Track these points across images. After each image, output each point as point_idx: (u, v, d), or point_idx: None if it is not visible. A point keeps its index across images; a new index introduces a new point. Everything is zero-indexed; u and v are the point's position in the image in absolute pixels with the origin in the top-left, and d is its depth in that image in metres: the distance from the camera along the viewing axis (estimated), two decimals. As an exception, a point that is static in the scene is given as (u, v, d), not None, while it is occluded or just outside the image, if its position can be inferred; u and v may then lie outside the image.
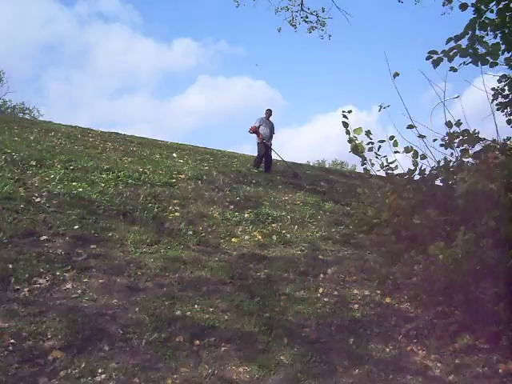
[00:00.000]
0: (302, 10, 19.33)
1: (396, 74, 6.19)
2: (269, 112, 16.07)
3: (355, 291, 7.77)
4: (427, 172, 6.35)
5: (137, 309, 5.98)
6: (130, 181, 10.91)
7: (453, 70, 6.56)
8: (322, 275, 8.21)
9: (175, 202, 10.37)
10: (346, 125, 6.28)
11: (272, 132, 15.93)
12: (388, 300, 7.55)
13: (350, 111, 6.25)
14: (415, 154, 6.16)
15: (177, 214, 9.72)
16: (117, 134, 16.65)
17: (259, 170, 15.53)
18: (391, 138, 6.28)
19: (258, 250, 8.98)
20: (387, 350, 6.13)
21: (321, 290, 7.56)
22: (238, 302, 6.70)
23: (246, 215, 10.55)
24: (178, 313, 6.09)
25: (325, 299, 7.30)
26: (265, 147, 15.64)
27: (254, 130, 15.55)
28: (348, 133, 6.33)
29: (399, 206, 6.18)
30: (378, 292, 7.80)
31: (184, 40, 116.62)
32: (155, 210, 9.59)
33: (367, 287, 7.98)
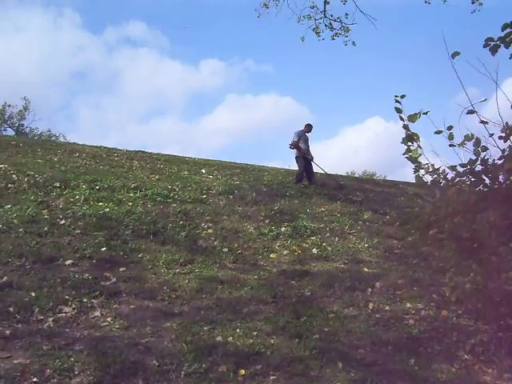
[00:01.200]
0: (326, 17, 18.71)
1: (456, 54, 5.52)
2: (308, 127, 15.61)
3: (408, 305, 7.10)
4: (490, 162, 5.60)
5: (173, 336, 5.39)
6: (158, 198, 10.40)
7: None
8: (369, 289, 7.55)
9: (207, 218, 9.82)
10: (399, 111, 5.61)
11: (307, 146, 15.40)
12: (445, 313, 6.86)
13: (403, 96, 5.58)
14: (477, 142, 5.43)
15: (210, 230, 9.15)
16: (143, 152, 16.23)
17: (304, 184, 14.90)
18: (449, 127, 5.57)
19: (298, 265, 8.36)
20: (453, 369, 5.43)
21: (371, 306, 6.90)
22: (284, 323, 6.06)
23: (283, 229, 9.94)
24: (219, 339, 5.47)
25: (376, 315, 6.63)
26: (305, 160, 15.08)
27: (295, 145, 15.00)
28: (402, 119, 5.65)
29: (459, 201, 5.48)
30: (433, 305, 7.13)
31: (211, 61, 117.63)
32: (187, 227, 9.04)
33: (420, 300, 7.30)
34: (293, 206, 11.83)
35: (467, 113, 5.58)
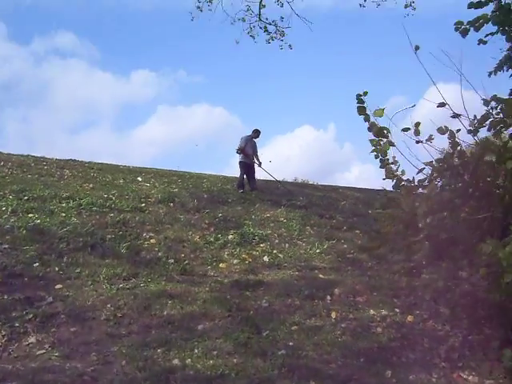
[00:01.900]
0: (261, 20, 18.30)
1: (417, 48, 5.15)
2: (256, 132, 14.99)
3: (371, 312, 6.68)
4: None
5: (123, 362, 4.73)
6: (94, 208, 9.58)
7: (482, 42, 5.70)
8: (328, 297, 7.10)
9: (148, 227, 9.10)
10: (362, 110, 5.17)
11: (255, 152, 14.77)
12: (410, 319, 6.47)
13: (365, 93, 5.15)
14: (452, 135, 5.03)
15: (152, 241, 8.44)
16: (74, 160, 15.18)
17: (247, 191, 14.26)
18: (417, 124, 5.18)
19: (250, 274, 7.79)
20: (433, 380, 5.07)
21: (334, 315, 6.45)
22: (244, 339, 5.49)
23: (230, 237, 9.35)
24: (176, 362, 4.86)
25: (342, 325, 6.17)
26: (246, 167, 14.47)
27: (242, 150, 14.40)
28: (367, 119, 5.21)
29: (435, 199, 5.09)
30: (397, 310, 6.74)
31: (142, 72, 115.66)
32: (127, 238, 8.32)
33: (382, 306, 6.89)
34: (237, 213, 11.25)
35: (437, 106, 5.19)
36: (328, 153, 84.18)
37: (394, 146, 5.21)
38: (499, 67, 9.70)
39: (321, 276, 8.05)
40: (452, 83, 5.62)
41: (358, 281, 7.84)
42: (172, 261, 7.70)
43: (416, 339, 5.87)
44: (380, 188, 22.28)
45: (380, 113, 5.10)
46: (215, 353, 5.09)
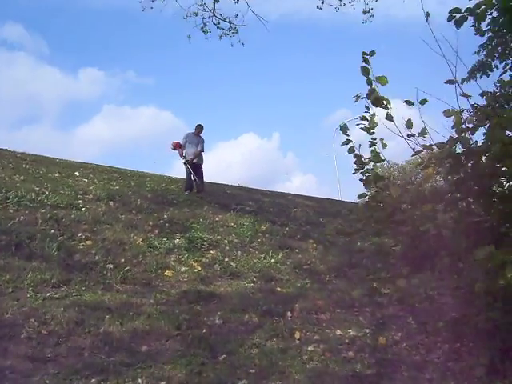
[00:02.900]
0: (214, 15, 17.43)
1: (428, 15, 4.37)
2: (199, 128, 13.75)
3: (338, 332, 5.92)
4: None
5: (46, 396, 3.68)
6: (23, 202, 8.39)
7: (480, 33, 4.99)
8: (289, 313, 6.29)
9: (84, 227, 7.98)
10: (366, 70, 4.35)
11: (201, 149, 13.57)
12: (382, 341, 5.70)
13: (372, 52, 4.33)
14: (458, 119, 4.21)
15: (88, 242, 7.35)
16: (5, 150, 13.75)
17: (193, 193, 13.17)
18: (407, 102, 4.38)
19: (201, 284, 6.89)
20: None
21: (298, 335, 5.65)
22: (198, 365, 4.58)
23: (177, 241, 8.37)
24: (114, 396, 3.84)
25: (308, 348, 5.36)
26: (192, 166, 13.30)
27: (176, 145, 13.26)
28: (369, 82, 4.37)
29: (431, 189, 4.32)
30: (367, 331, 5.96)
31: (90, 70, 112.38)
32: (59, 238, 7.18)
33: (348, 325, 6.15)
34: (183, 215, 10.24)
35: (445, 82, 4.42)
36: (271, 161, 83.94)
37: (392, 120, 4.40)
38: (472, 74, 9.17)
39: (278, 289, 7.25)
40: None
41: (318, 295, 7.09)
42: (111, 266, 6.67)
43: (393, 366, 5.11)
44: (329, 197, 21.86)
45: (383, 80, 4.30)
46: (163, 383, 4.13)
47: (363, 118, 4.69)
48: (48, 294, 5.48)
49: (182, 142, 13.47)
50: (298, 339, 5.54)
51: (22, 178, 10.29)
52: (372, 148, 4.69)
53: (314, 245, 10.16)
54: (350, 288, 7.56)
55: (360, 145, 4.81)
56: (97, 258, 6.81)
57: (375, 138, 4.64)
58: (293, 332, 5.66)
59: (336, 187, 37.53)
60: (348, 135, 4.78)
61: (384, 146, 4.72)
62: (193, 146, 13.45)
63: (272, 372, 4.68)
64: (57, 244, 6.82)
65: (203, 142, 13.63)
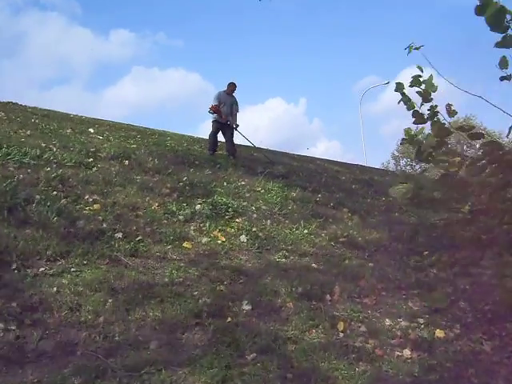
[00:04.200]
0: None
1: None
2: (232, 86, 12.39)
3: (387, 322, 4.96)
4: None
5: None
6: (25, 160, 7.40)
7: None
8: (328, 297, 5.23)
9: (93, 188, 6.98)
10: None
11: (235, 110, 12.35)
12: (440, 334, 4.74)
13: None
14: None
15: (96, 206, 6.34)
16: (15, 104, 12.77)
17: (226, 157, 12.05)
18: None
19: (225, 259, 5.86)
20: None
21: (341, 327, 4.62)
22: (222, 369, 3.55)
23: (198, 207, 7.32)
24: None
25: (355, 343, 4.38)
26: (221, 126, 12.12)
27: (215, 110, 11.99)
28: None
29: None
30: (421, 321, 4.94)
31: (122, 31, 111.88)
32: (62, 200, 6.18)
33: (398, 313, 5.17)
34: (206, 178, 9.17)
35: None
36: (297, 126, 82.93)
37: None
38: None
39: (314, 265, 6.20)
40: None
41: (359, 273, 6.04)
42: (120, 235, 5.65)
43: (458, 369, 4.14)
44: (356, 163, 20.74)
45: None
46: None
47: (415, 82, 3.63)
48: (40, 270, 4.51)
49: (215, 103, 12.24)
50: (342, 331, 4.54)
51: (28, 132, 9.29)
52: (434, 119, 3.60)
53: (349, 214, 9.11)
54: (394, 266, 6.57)
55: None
56: (104, 225, 5.80)
57: (435, 106, 3.55)
58: (335, 322, 4.66)
59: (360, 155, 36.31)
60: (404, 93, 3.72)
61: (452, 113, 3.63)
62: (227, 106, 12.25)
63: (314, 378, 3.69)
64: (57, 208, 5.81)
65: (237, 102, 12.44)
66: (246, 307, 4.68)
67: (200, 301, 4.57)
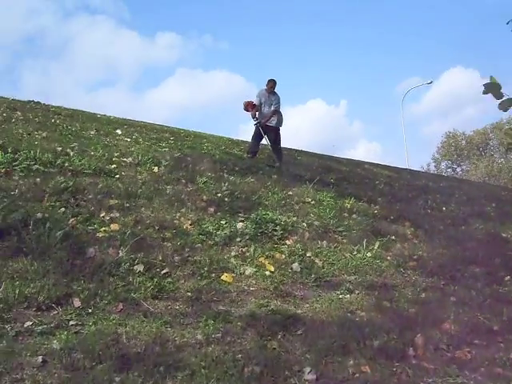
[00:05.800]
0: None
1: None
2: (272, 82, 11.01)
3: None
4: None
5: None
6: (35, 166, 6.23)
7: None
8: (411, 351, 3.87)
9: (112, 202, 5.72)
10: None
11: (275, 108, 10.93)
12: None
13: None
14: None
15: (113, 226, 5.08)
16: (36, 102, 11.65)
17: (273, 161, 10.77)
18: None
19: (275, 298, 4.53)
20: None
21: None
22: None
23: (240, 225, 6.03)
24: None
25: None
26: (264, 129, 10.89)
27: (247, 106, 10.72)
28: None
29: None
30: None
31: (168, 34, 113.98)
32: (71, 220, 4.93)
33: (503, 374, 3.68)
34: (248, 187, 7.87)
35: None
36: (337, 128, 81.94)
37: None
38: None
39: (386, 304, 4.85)
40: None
41: (441, 312, 4.65)
42: (141, 268, 4.35)
43: None
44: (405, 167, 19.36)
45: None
46: None
47: None
48: (26, 325, 3.24)
49: (256, 102, 10.94)
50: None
51: (44, 134, 8.11)
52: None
53: (413, 229, 7.73)
54: (477, 298, 5.19)
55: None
56: (121, 253, 4.51)
57: None
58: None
59: (398, 156, 34.90)
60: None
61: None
62: (268, 106, 10.94)
63: None
64: (63, 230, 4.55)
65: (279, 99, 11.07)
66: (309, 376, 3.34)
67: (246, 369, 3.24)
